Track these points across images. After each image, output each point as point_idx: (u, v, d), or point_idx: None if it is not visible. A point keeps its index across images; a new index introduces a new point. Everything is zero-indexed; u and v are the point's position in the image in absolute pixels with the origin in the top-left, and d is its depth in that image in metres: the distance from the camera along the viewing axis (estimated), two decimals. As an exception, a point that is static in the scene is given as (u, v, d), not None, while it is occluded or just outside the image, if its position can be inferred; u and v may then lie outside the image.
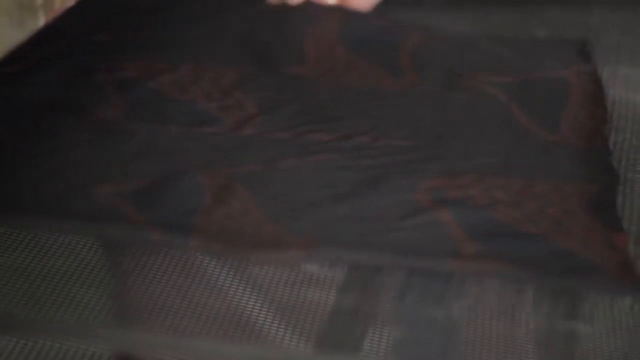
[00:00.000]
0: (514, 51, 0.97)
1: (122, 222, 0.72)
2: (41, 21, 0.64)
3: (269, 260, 0.68)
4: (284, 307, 0.64)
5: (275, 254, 0.68)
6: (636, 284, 0.64)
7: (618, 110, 0.87)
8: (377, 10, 1.02)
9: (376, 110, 0.87)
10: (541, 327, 0.62)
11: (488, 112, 0.86)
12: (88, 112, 0.86)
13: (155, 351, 0.59)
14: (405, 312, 0.63)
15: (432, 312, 0.63)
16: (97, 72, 0.94)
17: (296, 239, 0.69)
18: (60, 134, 0.83)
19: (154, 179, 0.77)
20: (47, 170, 0.78)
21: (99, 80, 0.92)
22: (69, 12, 0.81)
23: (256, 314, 0.62)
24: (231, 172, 0.78)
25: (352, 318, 0.63)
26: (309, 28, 1.01)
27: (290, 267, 0.67)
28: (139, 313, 0.62)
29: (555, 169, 0.77)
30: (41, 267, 0.66)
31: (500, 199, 0.73)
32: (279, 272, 0.67)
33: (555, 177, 0.75)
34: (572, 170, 0.77)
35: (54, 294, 0.64)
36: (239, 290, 0.64)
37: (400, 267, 0.67)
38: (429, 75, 0.93)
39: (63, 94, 0.89)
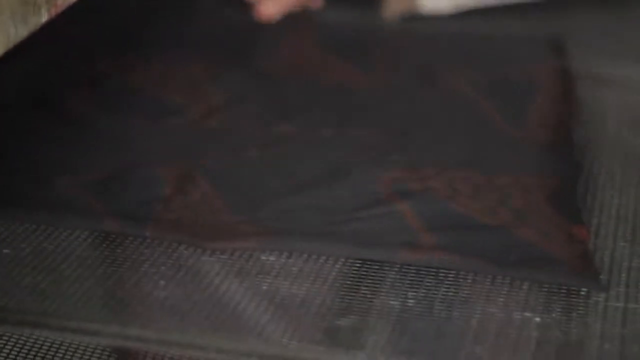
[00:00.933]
0: (487, 48, 0.97)
1: (81, 212, 0.71)
2: (44, 18, 0.63)
3: (225, 249, 0.67)
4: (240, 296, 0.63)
5: (231, 244, 0.67)
6: (593, 275, 0.64)
7: (587, 106, 0.87)
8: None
9: (344, 104, 0.87)
10: (496, 317, 0.61)
11: (456, 107, 0.86)
12: (56, 105, 0.86)
13: (153, 346, 0.59)
14: (360, 302, 0.62)
15: (386, 302, 0.62)
16: (69, 67, 0.94)
17: (253, 229, 0.69)
18: (27, 127, 0.82)
19: (116, 170, 0.76)
20: (11, 162, 0.77)
21: (70, 74, 0.92)
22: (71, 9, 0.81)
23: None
24: (193, 163, 0.77)
25: (307, 308, 0.62)
26: (284, 28, 1.01)
27: (247, 256, 0.67)
28: (136, 308, 0.62)
29: (519, 162, 0.76)
30: (38, 260, 0.66)
31: (461, 191, 0.72)
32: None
33: (518, 170, 0.75)
34: (536, 163, 0.76)
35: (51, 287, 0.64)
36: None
37: (357, 257, 0.66)
38: (400, 71, 0.93)
39: (33, 87, 0.89)
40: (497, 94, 0.88)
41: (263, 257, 0.67)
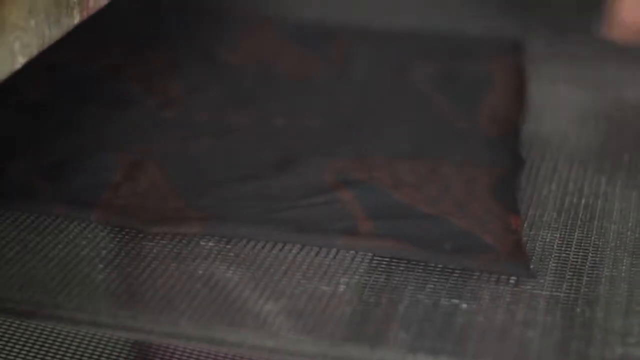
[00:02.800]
0: (446, 44, 0.99)
1: (30, 197, 0.73)
2: (76, 19, 0.65)
3: (168, 234, 0.69)
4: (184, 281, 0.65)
5: (174, 228, 0.69)
6: (523, 264, 0.65)
7: (539, 102, 0.88)
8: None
9: (298, 95, 0.88)
10: (423, 303, 0.62)
11: (409, 99, 0.87)
12: (13, 92, 0.88)
13: (172, 339, 0.60)
14: (293, 286, 0.64)
15: (319, 287, 0.64)
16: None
17: (197, 214, 0.70)
18: None
19: (68, 156, 0.78)
20: None
21: (30, 62, 0.93)
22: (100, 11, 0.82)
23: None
24: (145, 150, 0.79)
25: (239, 292, 0.63)
26: (247, 20, 1.02)
27: (187, 241, 0.68)
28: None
29: (465, 154, 0.78)
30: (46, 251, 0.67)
31: (405, 181, 0.74)
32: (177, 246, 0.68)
33: (463, 161, 0.76)
34: (481, 155, 0.78)
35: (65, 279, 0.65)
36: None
37: (295, 242, 0.68)
38: (357, 64, 0.94)
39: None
40: (451, 88, 0.89)
41: (202, 243, 0.68)
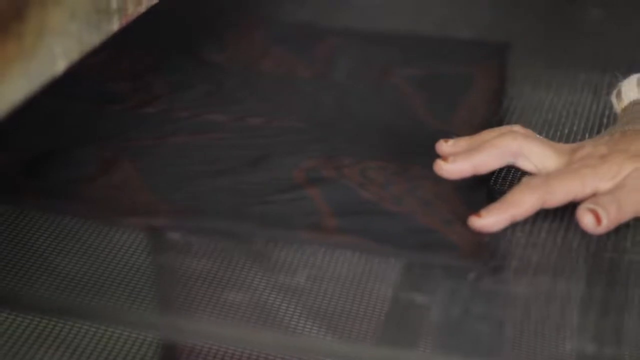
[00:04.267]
0: (430, 47, 0.99)
1: (8, 190, 0.74)
2: (115, 25, 0.67)
3: (136, 226, 0.70)
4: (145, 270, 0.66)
5: (143, 221, 0.70)
6: (483, 260, 0.66)
7: (517, 107, 0.89)
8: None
9: (279, 95, 0.89)
10: (383, 297, 0.64)
11: (387, 101, 0.88)
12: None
13: (201, 339, 0.62)
14: (255, 278, 0.65)
15: (277, 279, 0.65)
16: None
17: (166, 208, 0.72)
18: None
19: (47, 150, 0.79)
20: None
21: None
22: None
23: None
24: (122, 145, 0.80)
25: (201, 282, 0.65)
26: (234, 20, 1.04)
27: (158, 233, 0.69)
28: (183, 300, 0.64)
29: (436, 155, 0.79)
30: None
31: (374, 181, 0.75)
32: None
33: (433, 162, 0.77)
34: (451, 156, 0.78)
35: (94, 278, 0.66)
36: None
37: (260, 237, 0.69)
38: (340, 65, 0.95)
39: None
40: (431, 91, 0.90)
41: (169, 235, 0.69)
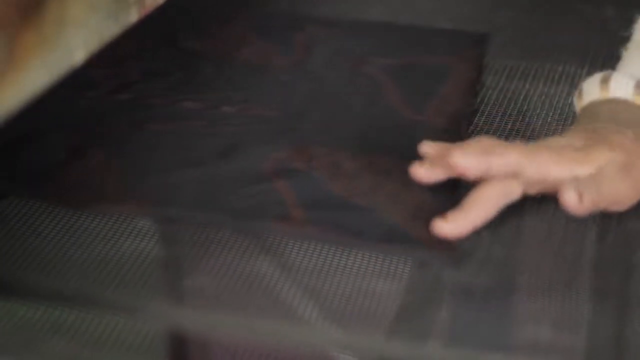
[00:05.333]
0: (409, 39, 1.00)
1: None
2: (133, 17, 0.67)
3: (105, 213, 0.70)
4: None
5: (111, 208, 0.70)
6: (446, 253, 0.66)
7: (495, 97, 0.89)
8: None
9: (254, 83, 0.89)
10: (343, 287, 0.64)
11: (362, 90, 0.88)
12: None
13: (210, 329, 0.62)
14: (215, 266, 0.66)
15: (240, 267, 0.65)
16: None
17: (135, 195, 0.72)
18: None
19: (20, 135, 0.79)
20: None
21: None
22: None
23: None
24: (96, 133, 0.80)
25: (164, 268, 0.65)
26: (215, 11, 1.04)
27: (127, 220, 0.70)
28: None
29: (408, 146, 0.79)
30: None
31: (343, 172, 0.75)
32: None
33: (402, 154, 0.77)
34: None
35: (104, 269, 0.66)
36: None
37: (228, 227, 0.69)
38: (317, 55, 0.95)
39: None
40: (407, 81, 0.90)
41: (139, 223, 0.70)
